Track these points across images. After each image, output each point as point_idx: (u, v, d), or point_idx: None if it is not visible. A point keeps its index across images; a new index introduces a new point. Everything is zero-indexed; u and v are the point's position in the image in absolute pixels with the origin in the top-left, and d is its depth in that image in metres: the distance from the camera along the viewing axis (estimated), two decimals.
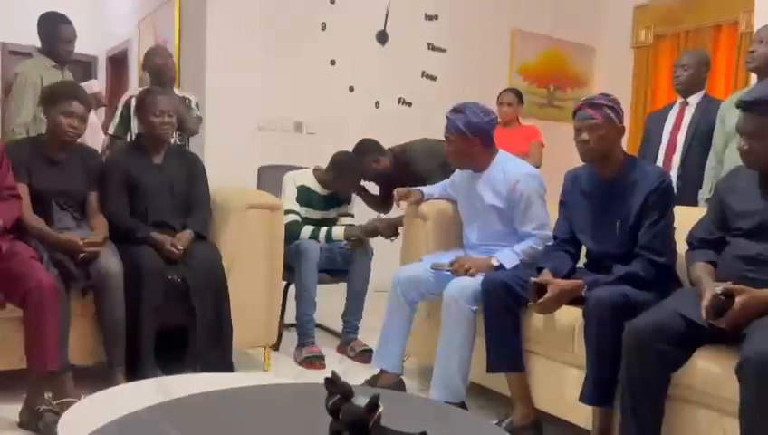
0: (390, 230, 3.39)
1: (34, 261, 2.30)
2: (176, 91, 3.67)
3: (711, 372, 1.87)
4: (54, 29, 3.23)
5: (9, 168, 2.46)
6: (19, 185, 2.49)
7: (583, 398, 2.11)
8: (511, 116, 4.50)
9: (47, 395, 2.28)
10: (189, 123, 3.58)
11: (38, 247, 2.42)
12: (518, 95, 4.57)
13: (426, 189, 3.03)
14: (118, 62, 6.96)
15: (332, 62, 4.80)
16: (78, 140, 2.68)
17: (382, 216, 3.66)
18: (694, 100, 3.51)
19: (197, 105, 3.76)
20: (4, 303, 2.19)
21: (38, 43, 3.30)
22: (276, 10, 4.54)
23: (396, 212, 3.42)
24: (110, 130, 3.61)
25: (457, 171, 2.88)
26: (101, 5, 7.22)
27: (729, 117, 3.07)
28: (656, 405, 1.93)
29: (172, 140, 3.14)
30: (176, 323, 2.64)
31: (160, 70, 3.56)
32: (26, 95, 3.03)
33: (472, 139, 2.60)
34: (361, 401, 1.15)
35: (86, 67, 7.45)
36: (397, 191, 3.06)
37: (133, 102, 3.34)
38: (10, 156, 2.51)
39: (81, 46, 3.39)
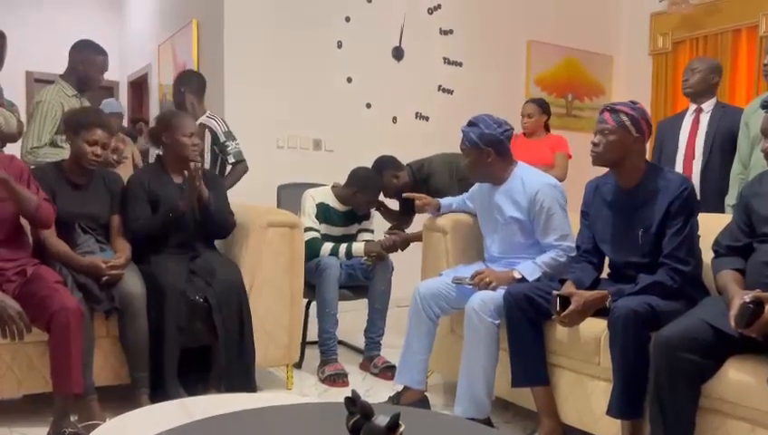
0: (404, 245, 3.40)
1: (59, 285, 2.33)
2: (206, 116, 3.64)
3: (742, 382, 1.82)
4: (94, 58, 3.29)
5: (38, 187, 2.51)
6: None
7: (611, 411, 2.07)
8: (532, 127, 4.40)
9: (73, 418, 2.30)
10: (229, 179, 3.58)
11: (62, 271, 2.45)
12: (541, 105, 4.44)
13: (444, 201, 3.02)
14: (138, 86, 7.09)
15: (349, 80, 4.83)
16: None
17: (406, 231, 3.65)
18: (708, 106, 3.49)
19: (226, 135, 3.64)
20: (30, 327, 2.22)
21: (60, 71, 3.36)
22: (293, 30, 4.59)
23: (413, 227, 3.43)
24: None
25: (476, 184, 2.87)
26: (123, 32, 7.38)
27: (754, 121, 3.03)
28: (686, 417, 1.88)
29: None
30: (198, 342, 2.65)
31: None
32: (47, 123, 3.08)
33: (486, 150, 2.59)
34: (382, 420, 1.13)
35: (108, 92, 7.60)
36: (418, 199, 3.05)
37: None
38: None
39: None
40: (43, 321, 2.25)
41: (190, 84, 3.74)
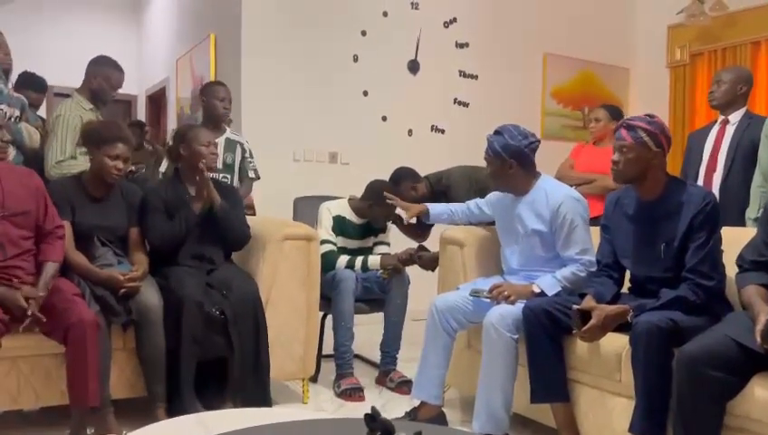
0: (433, 265, 3.35)
1: (77, 297, 2.34)
2: (228, 132, 3.61)
3: None
4: (110, 73, 3.31)
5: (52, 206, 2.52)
6: (63, 222, 2.55)
7: (633, 429, 2.03)
8: (600, 132, 3.97)
9: (90, 430, 2.30)
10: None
11: (80, 283, 2.46)
12: (611, 111, 4.01)
13: (434, 208, 3.03)
14: (156, 100, 7.16)
15: (365, 93, 4.85)
16: None
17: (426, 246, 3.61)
18: (735, 117, 3.42)
19: (251, 153, 3.66)
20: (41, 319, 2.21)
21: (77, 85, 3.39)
22: (309, 44, 4.62)
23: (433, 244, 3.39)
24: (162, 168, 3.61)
25: (495, 192, 2.85)
26: (141, 46, 7.48)
27: None
28: None
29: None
30: (215, 355, 2.64)
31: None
32: (70, 136, 3.11)
33: (509, 161, 2.58)
34: None
35: (126, 106, 7.69)
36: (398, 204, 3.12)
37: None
38: (54, 194, 2.57)
39: (123, 86, 3.46)
40: (60, 333, 2.26)
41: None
